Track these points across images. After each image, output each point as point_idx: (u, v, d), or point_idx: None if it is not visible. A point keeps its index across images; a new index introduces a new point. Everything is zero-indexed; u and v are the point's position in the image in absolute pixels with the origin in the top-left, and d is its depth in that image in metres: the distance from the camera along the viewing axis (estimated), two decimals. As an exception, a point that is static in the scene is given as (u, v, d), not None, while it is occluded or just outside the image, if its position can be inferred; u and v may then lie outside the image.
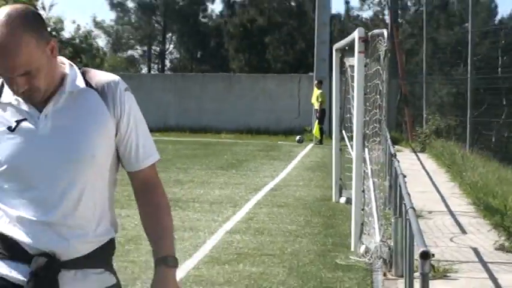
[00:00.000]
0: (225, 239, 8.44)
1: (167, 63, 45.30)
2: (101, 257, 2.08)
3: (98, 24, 41.72)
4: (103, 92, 2.03)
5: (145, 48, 44.57)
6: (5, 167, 2.01)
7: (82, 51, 30.16)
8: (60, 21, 29.16)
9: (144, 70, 44.49)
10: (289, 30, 33.52)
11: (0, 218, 2.05)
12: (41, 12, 24.99)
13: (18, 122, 2.01)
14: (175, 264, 2.16)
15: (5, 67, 1.85)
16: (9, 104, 2.03)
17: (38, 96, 1.95)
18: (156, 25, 43.00)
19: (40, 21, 2.00)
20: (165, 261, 2.12)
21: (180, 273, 6.30)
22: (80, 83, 2.03)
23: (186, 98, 26.44)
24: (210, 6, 41.83)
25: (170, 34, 43.63)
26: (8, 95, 2.01)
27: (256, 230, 8.85)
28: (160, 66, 44.18)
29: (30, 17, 1.93)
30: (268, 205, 10.94)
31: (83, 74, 2.08)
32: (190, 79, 28.91)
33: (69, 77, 2.03)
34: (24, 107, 2.02)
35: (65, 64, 2.07)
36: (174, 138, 22.56)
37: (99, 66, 28.46)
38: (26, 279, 1.95)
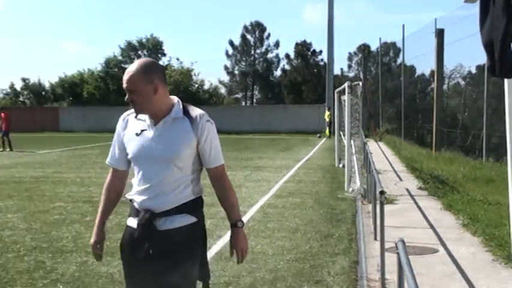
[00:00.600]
0: (283, 186, 13.53)
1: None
2: (183, 208, 3.21)
3: (221, 82, 62.31)
4: (193, 120, 3.19)
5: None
6: (132, 156, 3.21)
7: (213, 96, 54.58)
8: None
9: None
10: (314, 83, 60.49)
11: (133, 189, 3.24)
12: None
13: (142, 130, 3.18)
14: (242, 225, 3.38)
15: (124, 85, 3.08)
16: (141, 119, 3.21)
17: (137, 109, 3.15)
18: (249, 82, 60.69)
19: (150, 69, 3.12)
20: (236, 224, 3.40)
21: (261, 202, 11.15)
22: (180, 112, 3.21)
23: (267, 117, 43.43)
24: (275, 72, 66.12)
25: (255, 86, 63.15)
26: (143, 115, 3.19)
27: (298, 181, 14.27)
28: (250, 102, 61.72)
29: (146, 65, 3.12)
30: (304, 168, 17.44)
31: (184, 107, 3.25)
32: (267, 108, 49.01)
33: (175, 107, 3.20)
34: (148, 122, 3.18)
35: (175, 100, 3.25)
36: (258, 136, 36.87)
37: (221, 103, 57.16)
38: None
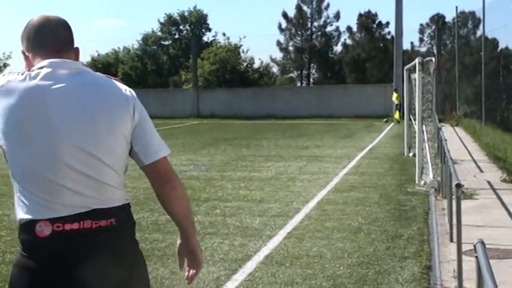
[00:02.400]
0: (343, 178, 13.46)
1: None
2: None
3: (273, 60, 63.52)
4: None
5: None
6: None
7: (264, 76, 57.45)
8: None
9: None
10: (380, 59, 59.51)
11: None
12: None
13: None
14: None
15: None
16: None
17: None
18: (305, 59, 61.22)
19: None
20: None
21: (319, 197, 11.05)
22: None
23: (325, 99, 45.52)
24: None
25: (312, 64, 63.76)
26: None
27: (361, 173, 14.19)
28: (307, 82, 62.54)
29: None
30: (368, 158, 17.36)
31: None
32: (326, 88, 51.58)
33: None
34: None
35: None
36: (315, 121, 35.51)
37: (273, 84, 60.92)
38: None
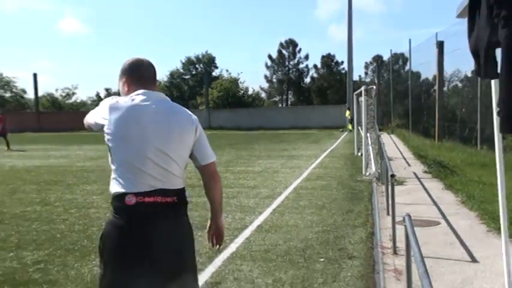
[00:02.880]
0: (312, 171, 13.27)
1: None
2: None
3: (262, 89, 64.51)
4: None
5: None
6: None
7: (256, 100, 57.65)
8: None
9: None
10: (337, 87, 58.77)
11: None
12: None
13: None
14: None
15: None
16: None
17: None
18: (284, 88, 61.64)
19: (121, 68, 2.86)
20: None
21: (295, 184, 10.98)
22: None
23: (299, 116, 42.34)
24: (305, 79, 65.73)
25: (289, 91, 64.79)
26: None
27: (325, 167, 14.07)
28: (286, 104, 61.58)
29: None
30: (329, 156, 17.16)
31: None
32: (300, 108, 48.94)
33: None
34: None
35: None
36: (293, 132, 31.88)
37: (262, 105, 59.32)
38: None
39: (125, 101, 2.71)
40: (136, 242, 2.56)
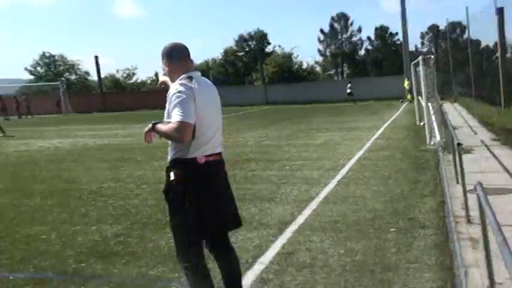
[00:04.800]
0: (374, 142, 13.08)
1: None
2: (171, 165, 3.30)
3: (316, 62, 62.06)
4: (170, 90, 3.21)
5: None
6: None
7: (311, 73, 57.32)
8: None
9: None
10: (393, 59, 55.68)
11: None
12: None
13: None
14: (153, 125, 3.23)
15: None
16: None
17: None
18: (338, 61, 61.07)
19: (162, 51, 3.33)
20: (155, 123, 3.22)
21: (357, 155, 10.75)
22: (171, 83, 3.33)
23: (356, 87, 40.91)
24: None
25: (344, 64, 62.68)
26: None
27: (387, 138, 13.81)
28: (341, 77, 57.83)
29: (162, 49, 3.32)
30: (391, 127, 16.84)
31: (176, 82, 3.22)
32: (356, 80, 46.07)
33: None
34: None
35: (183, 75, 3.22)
36: (350, 104, 31.67)
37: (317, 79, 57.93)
38: None
39: (192, 83, 3.20)
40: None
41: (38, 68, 66.77)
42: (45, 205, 7.40)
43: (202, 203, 3.20)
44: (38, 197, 7.97)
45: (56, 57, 66.88)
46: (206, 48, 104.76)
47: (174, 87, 3.13)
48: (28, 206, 7.41)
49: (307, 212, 6.34)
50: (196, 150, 3.18)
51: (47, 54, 66.70)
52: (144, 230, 5.85)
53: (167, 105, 3.16)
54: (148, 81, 66.07)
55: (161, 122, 3.23)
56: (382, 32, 62.65)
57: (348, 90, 38.63)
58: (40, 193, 8.30)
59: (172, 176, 3.24)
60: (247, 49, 65.47)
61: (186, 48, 3.36)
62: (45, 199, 7.81)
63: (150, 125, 3.27)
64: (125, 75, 64.70)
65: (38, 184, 9.21)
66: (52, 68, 66.50)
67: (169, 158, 3.32)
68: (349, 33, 64.94)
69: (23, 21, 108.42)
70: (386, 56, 59.54)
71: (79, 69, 67.38)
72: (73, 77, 67.42)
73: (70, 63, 67.07)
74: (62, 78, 58.50)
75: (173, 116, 3.02)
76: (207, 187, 3.22)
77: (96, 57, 51.56)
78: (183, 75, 3.21)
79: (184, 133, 3.02)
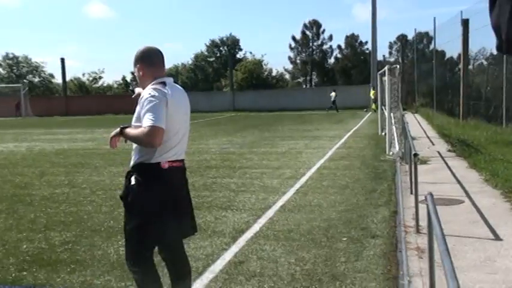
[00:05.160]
0: (335, 151, 13.19)
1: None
2: (133, 170, 3.26)
3: (285, 70, 66.14)
4: (142, 94, 3.18)
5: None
6: None
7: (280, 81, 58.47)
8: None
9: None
10: (361, 68, 57.50)
11: None
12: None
13: None
14: (122, 129, 3.20)
15: None
16: None
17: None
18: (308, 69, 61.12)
19: (136, 55, 3.28)
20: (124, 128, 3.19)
21: (318, 164, 10.85)
22: (142, 89, 3.27)
23: (323, 96, 41.45)
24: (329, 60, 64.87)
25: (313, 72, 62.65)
26: None
27: (348, 147, 14.00)
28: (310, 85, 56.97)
29: (136, 53, 3.26)
30: (353, 136, 17.04)
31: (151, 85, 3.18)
32: (323, 89, 46.76)
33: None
34: None
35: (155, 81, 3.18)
36: (316, 112, 31.85)
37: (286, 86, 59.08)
38: None
39: (166, 89, 3.17)
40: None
41: (0, 70, 65.28)
42: (-8, 211, 7.19)
43: (162, 209, 3.19)
44: (-15, 203, 7.75)
45: (20, 59, 65.56)
46: (177, 53, 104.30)
47: (147, 92, 3.10)
48: (-26, 211, 7.20)
49: (262, 221, 6.35)
50: (161, 156, 3.18)
51: (10, 56, 65.33)
52: (94, 238, 5.75)
53: (138, 108, 3.15)
54: (115, 86, 65.32)
55: (129, 126, 3.22)
56: (352, 40, 63.64)
57: (332, 99, 38.66)
58: (-12, 198, 8.07)
59: (133, 180, 3.22)
60: (218, 55, 65.49)
61: (161, 53, 3.34)
62: (-6, 205, 7.59)
63: (118, 130, 3.24)
64: (91, 78, 63.89)
65: (-12, 189, 8.95)
66: (15, 70, 65.10)
67: (132, 162, 3.30)
68: (320, 40, 65.66)
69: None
70: (355, 65, 60.50)
71: (43, 71, 66.24)
72: (36, 79, 66.15)
73: (34, 65, 65.84)
74: (25, 81, 57.32)
75: (145, 120, 3.01)
76: (168, 193, 3.22)
77: (63, 60, 50.72)
78: (156, 81, 3.20)
79: (155, 137, 3.00)
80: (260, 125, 25.17)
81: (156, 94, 3.08)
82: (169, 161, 3.22)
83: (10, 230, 6.15)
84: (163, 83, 3.21)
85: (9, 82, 59.42)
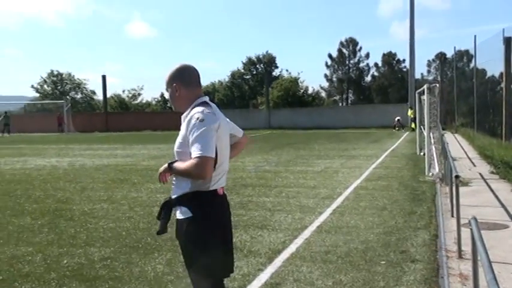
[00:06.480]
0: (372, 171, 13.01)
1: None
2: (181, 200, 2.91)
3: (321, 88, 65.12)
4: (189, 117, 2.87)
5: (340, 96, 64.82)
6: None
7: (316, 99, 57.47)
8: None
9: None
10: (398, 86, 57.76)
11: None
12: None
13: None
14: (170, 165, 2.92)
15: None
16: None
17: (173, 107, 3.15)
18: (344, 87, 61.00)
19: (171, 74, 3.02)
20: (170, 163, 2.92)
21: (355, 184, 10.73)
22: (188, 110, 2.95)
23: (359, 114, 42.42)
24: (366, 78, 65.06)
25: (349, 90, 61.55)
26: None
27: (385, 167, 13.77)
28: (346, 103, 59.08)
29: (169, 72, 3.01)
30: (390, 156, 16.76)
31: (193, 108, 2.92)
32: (360, 107, 48.27)
33: (189, 108, 2.95)
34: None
35: (200, 100, 2.97)
36: (352, 131, 32.68)
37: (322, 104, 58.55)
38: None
39: (212, 111, 2.93)
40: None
41: (45, 86, 67.42)
42: (34, 225, 7.36)
43: (223, 238, 3.01)
44: (28, 217, 7.95)
45: (64, 76, 67.61)
46: (214, 70, 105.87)
47: (195, 115, 2.83)
48: (17, 225, 7.37)
49: (299, 241, 6.27)
50: (216, 182, 2.95)
51: (55, 73, 67.46)
52: (132, 254, 5.79)
53: (183, 131, 2.90)
54: (153, 102, 66.48)
55: (176, 160, 2.94)
56: (389, 58, 63.25)
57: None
58: (31, 212, 8.28)
59: (187, 211, 2.91)
60: (254, 72, 66.01)
61: (197, 72, 3.10)
62: (36, 219, 7.78)
63: (166, 166, 2.98)
64: (130, 95, 65.23)
65: (31, 203, 9.19)
66: (59, 87, 67.13)
67: (179, 191, 2.96)
68: (356, 58, 65.52)
69: (35, 39, 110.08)
70: (392, 83, 59.96)
71: (85, 88, 68.06)
72: (79, 95, 67.99)
73: (77, 81, 67.77)
74: (68, 97, 58.98)
75: (193, 150, 2.76)
76: (225, 221, 3.06)
77: (104, 77, 51.90)
78: (197, 101, 2.99)
79: (205, 169, 2.75)
80: (296, 143, 25.08)
81: (204, 118, 2.83)
82: (222, 187, 3.03)
83: (52, 245, 6.26)
84: (207, 104, 3.00)
85: (53, 98, 61.33)
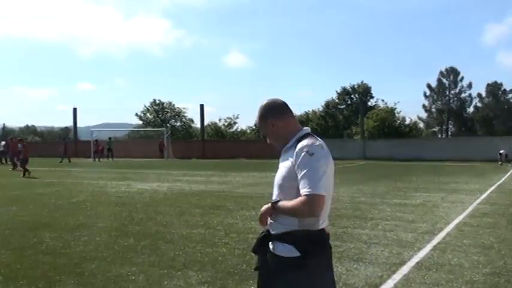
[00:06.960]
0: (477, 207, 12.26)
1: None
2: (285, 237, 2.70)
3: (419, 118, 61.57)
4: (297, 150, 2.69)
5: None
6: None
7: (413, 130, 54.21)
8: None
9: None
10: (504, 117, 54.37)
11: None
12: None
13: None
14: (274, 204, 2.73)
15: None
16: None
17: (275, 147, 2.91)
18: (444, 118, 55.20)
19: (263, 109, 2.90)
20: (274, 202, 2.73)
21: (457, 220, 10.21)
22: (292, 142, 2.80)
23: (460, 147, 40.80)
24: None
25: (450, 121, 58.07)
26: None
27: (492, 203, 12.92)
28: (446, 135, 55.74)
29: (261, 107, 2.91)
30: (497, 192, 15.90)
31: (300, 138, 2.79)
32: (461, 139, 45.76)
33: (293, 138, 2.82)
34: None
35: (301, 131, 2.85)
36: (453, 164, 30.08)
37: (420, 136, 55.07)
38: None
39: (318, 143, 2.79)
40: None
41: (148, 114, 71.33)
42: (137, 246, 7.72)
43: (331, 280, 2.87)
44: (131, 238, 8.35)
45: (165, 104, 71.20)
46: (307, 100, 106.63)
47: (304, 148, 2.68)
48: (122, 246, 7.76)
49: (397, 277, 6.04)
50: (323, 221, 2.79)
51: (157, 101, 71.23)
52: (228, 280, 5.87)
53: (288, 163, 2.75)
54: (248, 131, 67.80)
55: (279, 200, 2.75)
56: (494, 88, 60.26)
57: (502, 151, 36.09)
58: (134, 234, 8.69)
59: (293, 250, 2.71)
60: (349, 102, 65.60)
61: (286, 103, 2.98)
62: (139, 240, 8.15)
63: (269, 205, 2.79)
64: (226, 123, 67.08)
65: (134, 225, 9.66)
66: (160, 115, 70.70)
67: (280, 227, 2.79)
68: (458, 89, 63.08)
69: (140, 69, 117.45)
70: (497, 115, 56.82)
71: (184, 116, 71.09)
72: (178, 123, 71.10)
73: (177, 110, 71.02)
74: (168, 125, 61.87)
75: (303, 186, 2.60)
76: (331, 261, 2.92)
77: (202, 106, 53.91)
78: (301, 132, 2.86)
79: (316, 207, 2.60)
80: (392, 175, 24.38)
81: (314, 152, 2.68)
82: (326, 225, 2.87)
83: (153, 266, 6.52)
84: (313, 136, 2.83)
85: (155, 126, 64.66)
